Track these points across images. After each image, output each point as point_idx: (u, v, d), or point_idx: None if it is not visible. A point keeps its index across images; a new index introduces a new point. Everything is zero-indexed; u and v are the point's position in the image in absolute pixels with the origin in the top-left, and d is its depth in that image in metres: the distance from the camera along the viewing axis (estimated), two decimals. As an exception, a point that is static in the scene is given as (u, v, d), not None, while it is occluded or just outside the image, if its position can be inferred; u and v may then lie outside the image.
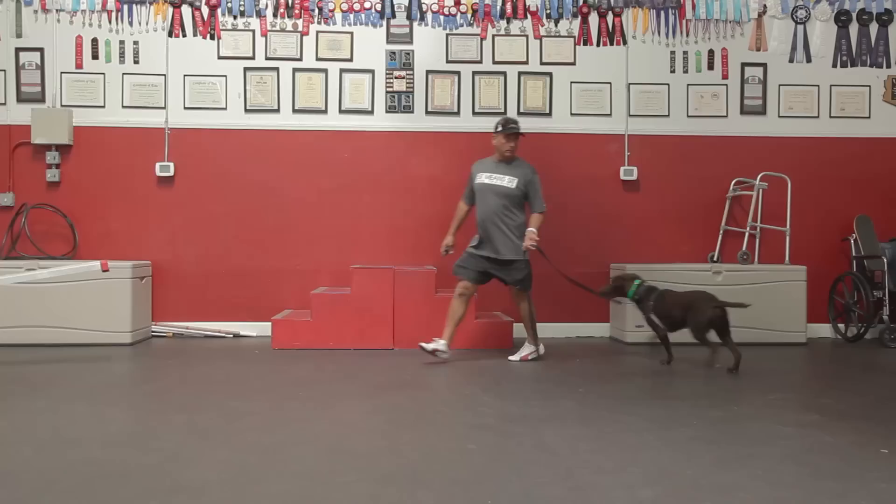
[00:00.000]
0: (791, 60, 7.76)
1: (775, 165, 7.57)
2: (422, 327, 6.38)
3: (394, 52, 7.57)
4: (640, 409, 4.30)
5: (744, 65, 7.74)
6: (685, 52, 7.71)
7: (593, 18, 7.67)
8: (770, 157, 7.62)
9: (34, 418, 4.06)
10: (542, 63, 7.64)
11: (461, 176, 7.49)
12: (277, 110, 7.52)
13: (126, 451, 3.41)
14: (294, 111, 7.53)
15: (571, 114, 7.64)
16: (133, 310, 6.78)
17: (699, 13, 7.68)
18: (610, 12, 7.67)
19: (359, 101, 7.56)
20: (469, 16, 7.60)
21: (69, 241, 7.32)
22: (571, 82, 7.64)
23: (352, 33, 7.56)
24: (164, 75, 7.45)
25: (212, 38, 7.49)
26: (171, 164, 7.40)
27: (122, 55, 7.44)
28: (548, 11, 7.63)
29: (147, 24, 7.45)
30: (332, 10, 7.54)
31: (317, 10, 7.53)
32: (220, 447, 3.50)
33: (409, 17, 7.58)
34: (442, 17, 7.59)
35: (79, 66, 7.41)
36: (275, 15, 7.52)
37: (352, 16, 7.56)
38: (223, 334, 7.30)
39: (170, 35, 7.46)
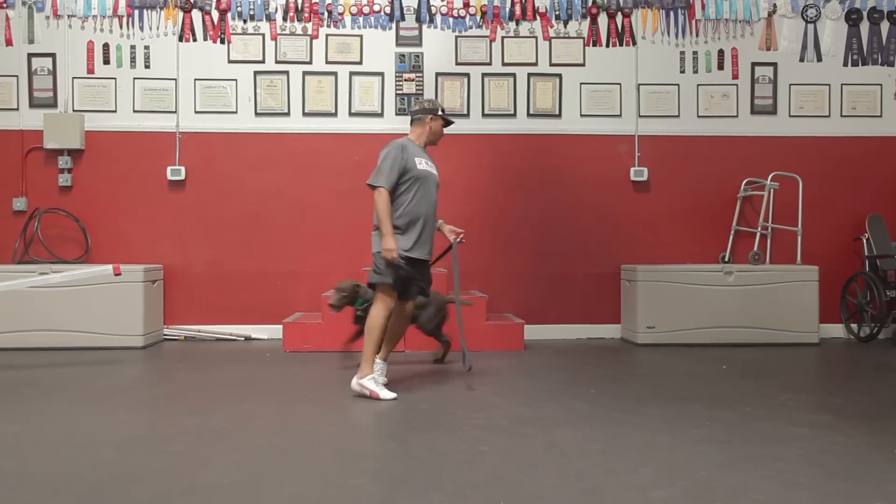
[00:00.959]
0: (802, 60, 7.74)
1: (786, 165, 7.55)
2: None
3: (403, 55, 7.58)
4: (652, 410, 4.29)
5: (754, 64, 7.72)
6: (695, 52, 7.69)
7: (602, 19, 7.67)
8: (781, 157, 7.59)
9: (47, 421, 4.08)
10: (551, 64, 7.64)
11: (471, 178, 7.51)
12: (288, 114, 7.55)
13: (139, 453, 3.43)
14: (304, 114, 7.55)
15: (581, 115, 7.63)
16: (145, 313, 6.81)
17: (709, 13, 7.67)
18: (619, 13, 7.66)
19: (369, 104, 7.57)
20: (478, 18, 7.61)
21: (81, 245, 7.36)
22: (581, 83, 7.64)
23: (361, 36, 7.58)
24: (175, 80, 7.49)
25: (222, 42, 7.52)
26: (183, 168, 7.43)
27: (133, 60, 7.48)
28: (557, 12, 7.63)
29: (158, 28, 7.49)
30: (341, 14, 7.56)
31: (326, 14, 7.55)
32: (233, 449, 3.51)
33: (418, 19, 7.59)
34: (451, 20, 7.60)
35: (90, 71, 7.46)
36: (284, 19, 7.54)
37: (361, 19, 7.58)
38: (234, 337, 7.32)
39: (180, 39, 7.50)
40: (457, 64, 7.60)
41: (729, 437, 3.69)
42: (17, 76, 7.42)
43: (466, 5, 7.58)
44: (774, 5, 7.71)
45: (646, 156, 7.63)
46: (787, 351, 6.60)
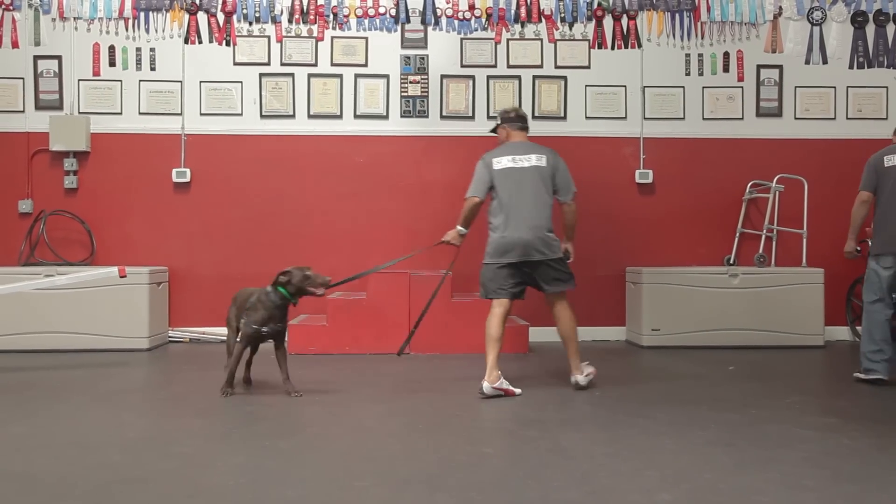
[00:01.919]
0: (807, 62, 7.72)
1: (792, 167, 7.53)
2: (438, 332, 6.39)
3: (408, 57, 7.59)
4: (657, 413, 4.28)
5: (759, 67, 7.70)
6: (700, 55, 7.68)
7: (608, 21, 7.66)
8: (786, 159, 7.58)
9: (53, 423, 4.10)
10: (556, 67, 7.63)
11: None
12: (293, 116, 7.56)
13: (145, 455, 3.43)
14: (309, 116, 7.56)
15: (586, 117, 7.63)
16: (150, 315, 6.82)
17: (714, 15, 7.66)
18: (624, 15, 7.66)
19: (374, 106, 7.58)
20: (483, 20, 7.61)
21: (87, 248, 7.37)
22: (586, 85, 7.63)
23: (366, 38, 7.58)
24: (181, 82, 7.50)
25: (227, 44, 7.54)
26: (188, 170, 7.45)
27: (138, 62, 7.49)
28: (562, 15, 7.63)
29: (163, 31, 7.51)
30: (346, 16, 7.57)
31: (331, 16, 7.56)
32: (238, 451, 3.52)
33: (423, 21, 7.59)
34: (456, 22, 7.60)
35: (96, 73, 7.48)
36: (290, 21, 7.55)
37: (366, 21, 7.58)
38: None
39: (186, 42, 7.52)
40: (462, 66, 7.60)
41: (734, 440, 3.68)
42: (23, 78, 7.44)
43: (472, 7, 7.59)
44: (780, 8, 7.69)
45: (651, 158, 7.62)
46: (792, 353, 6.59)
